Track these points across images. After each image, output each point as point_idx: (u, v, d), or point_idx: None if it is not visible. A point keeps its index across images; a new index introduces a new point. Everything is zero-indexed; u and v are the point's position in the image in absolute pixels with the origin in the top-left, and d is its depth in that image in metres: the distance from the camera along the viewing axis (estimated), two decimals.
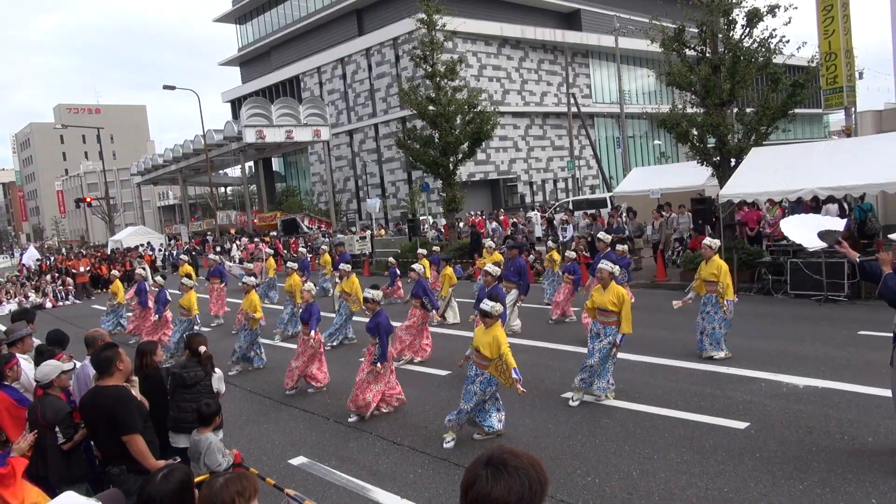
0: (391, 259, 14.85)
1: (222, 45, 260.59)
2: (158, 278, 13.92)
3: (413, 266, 11.24)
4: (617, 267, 7.98)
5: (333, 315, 12.68)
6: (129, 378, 4.72)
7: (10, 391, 4.97)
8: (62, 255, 38.46)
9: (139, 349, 5.48)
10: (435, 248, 15.61)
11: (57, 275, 27.69)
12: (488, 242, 14.87)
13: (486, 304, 6.57)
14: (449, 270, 13.31)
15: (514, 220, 28.67)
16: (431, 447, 6.80)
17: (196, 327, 12.31)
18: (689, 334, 9.99)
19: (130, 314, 15.07)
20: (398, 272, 16.00)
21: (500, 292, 9.02)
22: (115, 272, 19.23)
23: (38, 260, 35.20)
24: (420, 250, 14.57)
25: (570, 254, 12.72)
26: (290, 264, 13.93)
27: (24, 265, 34.00)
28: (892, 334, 5.36)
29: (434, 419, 7.59)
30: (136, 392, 4.91)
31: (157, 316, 12.88)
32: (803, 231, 6.51)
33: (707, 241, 9.05)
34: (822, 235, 6.28)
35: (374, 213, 38.59)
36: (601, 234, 11.16)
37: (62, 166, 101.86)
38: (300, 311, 9.69)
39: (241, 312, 10.75)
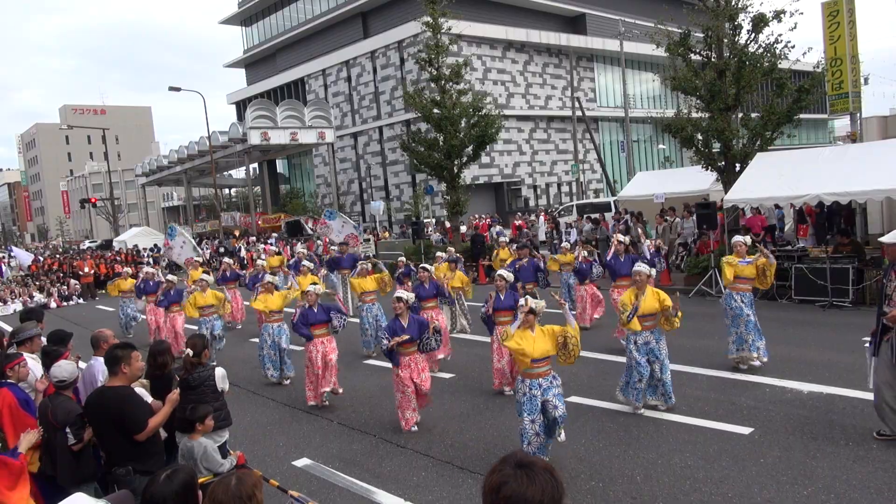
0: (402, 259, 14.45)
1: (227, 47, 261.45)
2: (171, 276, 13.79)
3: (424, 265, 10.57)
4: (654, 269, 7.72)
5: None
6: (136, 380, 4.74)
7: (15, 390, 4.97)
8: (57, 258, 37.04)
9: (151, 350, 5.51)
10: (449, 248, 15.47)
11: (61, 275, 27.79)
12: (502, 238, 14.83)
13: (533, 301, 6.16)
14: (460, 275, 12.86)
15: (518, 223, 28.69)
16: (435, 450, 6.81)
17: (226, 322, 12.09)
18: (691, 339, 9.98)
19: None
20: (413, 269, 14.98)
21: (516, 298, 8.54)
22: (127, 269, 19.34)
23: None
24: (439, 253, 14.14)
25: (583, 252, 12.37)
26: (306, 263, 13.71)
27: None
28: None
29: (438, 422, 7.60)
30: (144, 393, 4.93)
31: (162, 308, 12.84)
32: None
33: (739, 238, 8.90)
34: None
35: (377, 215, 38.64)
36: (619, 236, 11.21)
37: (67, 167, 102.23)
38: (302, 315, 8.84)
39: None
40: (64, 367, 4.69)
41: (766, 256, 8.63)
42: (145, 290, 14.34)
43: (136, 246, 37.29)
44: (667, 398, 7.35)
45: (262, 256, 18.28)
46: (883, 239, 6.15)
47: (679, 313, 7.32)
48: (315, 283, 10.14)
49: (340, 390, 8.80)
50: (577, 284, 12.23)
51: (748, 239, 9.07)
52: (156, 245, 37.93)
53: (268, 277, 10.83)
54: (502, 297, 8.52)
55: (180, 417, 5.18)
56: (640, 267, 7.48)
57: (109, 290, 17.00)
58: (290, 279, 11.71)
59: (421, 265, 10.72)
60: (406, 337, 7.35)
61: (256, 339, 13.19)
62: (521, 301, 6.21)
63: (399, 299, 7.56)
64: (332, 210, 24.92)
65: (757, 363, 8.49)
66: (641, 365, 7.19)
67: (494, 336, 8.53)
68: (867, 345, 6.30)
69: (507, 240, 16.19)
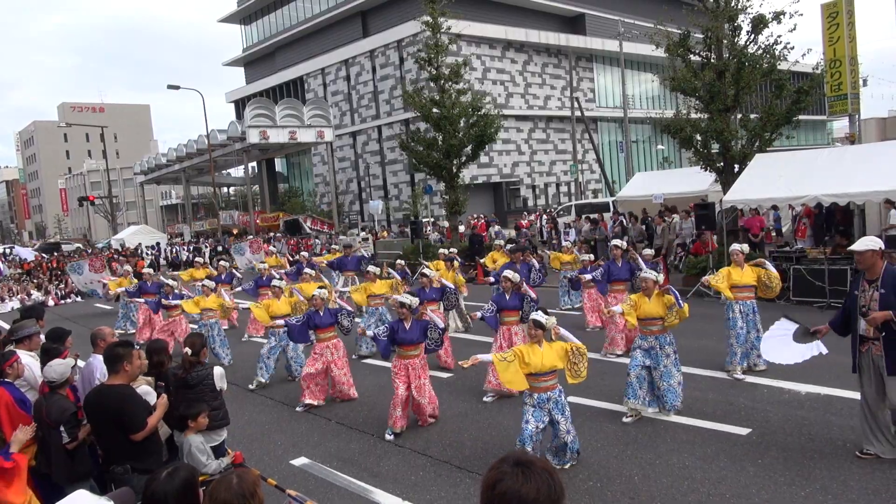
0: (399, 261, 14.50)
1: (227, 45, 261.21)
2: (171, 281, 13.63)
3: (425, 271, 10.39)
4: (661, 276, 7.46)
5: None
6: (137, 379, 4.74)
7: (10, 388, 4.97)
8: (55, 255, 36.70)
9: (148, 348, 5.52)
10: (451, 249, 15.55)
11: (59, 273, 27.72)
12: (497, 241, 14.85)
13: (541, 316, 6.04)
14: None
15: (524, 222, 28.70)
16: (433, 450, 6.81)
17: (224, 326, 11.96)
18: (690, 340, 9.99)
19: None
20: (408, 272, 14.41)
21: (521, 297, 8.53)
22: (127, 267, 19.13)
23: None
24: (441, 250, 14.19)
25: (585, 256, 12.43)
26: (307, 270, 13.59)
27: None
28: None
29: (436, 422, 7.60)
30: (149, 390, 4.93)
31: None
32: (783, 351, 6.39)
33: (737, 246, 8.74)
34: (799, 338, 6.36)
35: (376, 214, 38.65)
36: (616, 241, 11.13)
37: (65, 164, 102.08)
38: (308, 318, 8.69)
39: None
40: (55, 368, 4.67)
41: (766, 267, 8.46)
42: (143, 290, 14.31)
43: (139, 245, 37.23)
44: (668, 406, 7.17)
45: (262, 258, 18.25)
46: (853, 247, 5.79)
47: (685, 306, 7.15)
48: (322, 287, 9.90)
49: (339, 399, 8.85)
50: (587, 291, 11.93)
51: (745, 247, 8.97)
52: (158, 244, 37.88)
53: (275, 281, 10.61)
54: (507, 298, 8.53)
55: (176, 415, 5.19)
56: (648, 273, 7.38)
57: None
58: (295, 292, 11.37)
59: (420, 271, 10.60)
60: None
61: (255, 339, 13.24)
62: (536, 316, 6.08)
63: (402, 305, 7.44)
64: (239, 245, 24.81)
65: (739, 375, 8.29)
66: (640, 371, 7.14)
67: (498, 335, 8.57)
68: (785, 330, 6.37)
69: (504, 242, 16.19)
